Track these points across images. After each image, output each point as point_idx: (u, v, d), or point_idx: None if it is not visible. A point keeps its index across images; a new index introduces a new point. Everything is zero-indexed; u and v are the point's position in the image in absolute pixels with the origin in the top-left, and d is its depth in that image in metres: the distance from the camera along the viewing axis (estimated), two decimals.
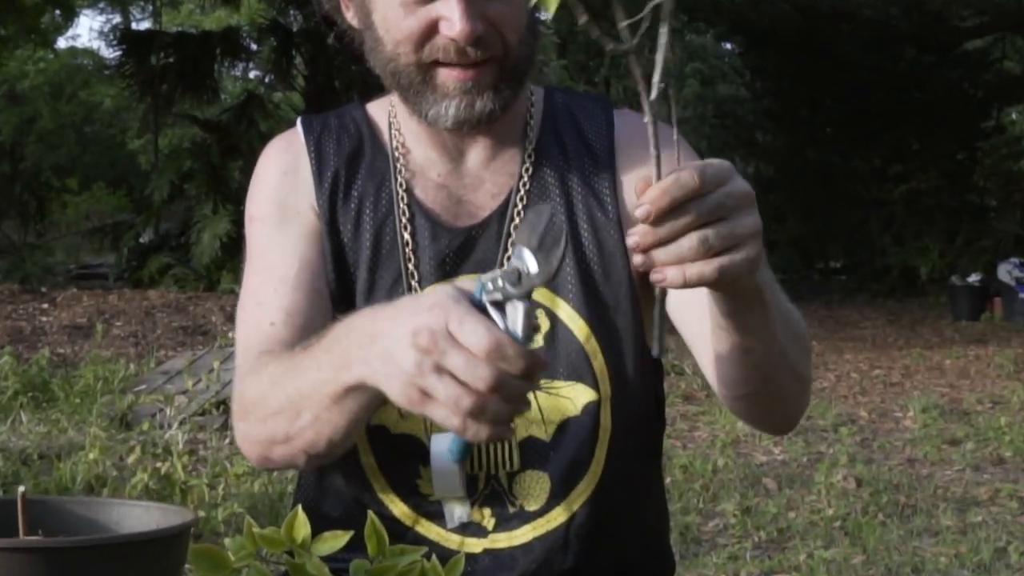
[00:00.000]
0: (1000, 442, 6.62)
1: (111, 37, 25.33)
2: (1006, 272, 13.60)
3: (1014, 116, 20.68)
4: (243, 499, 4.78)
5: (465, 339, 1.03)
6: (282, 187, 1.53)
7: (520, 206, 1.46)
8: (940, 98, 17.57)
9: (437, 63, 1.36)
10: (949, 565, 4.43)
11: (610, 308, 1.45)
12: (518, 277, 1.06)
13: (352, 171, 1.51)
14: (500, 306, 1.07)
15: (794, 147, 19.73)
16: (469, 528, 1.44)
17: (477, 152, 1.49)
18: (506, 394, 1.04)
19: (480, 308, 1.08)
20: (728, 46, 22.63)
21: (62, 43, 29.02)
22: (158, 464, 5.08)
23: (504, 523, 1.44)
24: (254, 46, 18.57)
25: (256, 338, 1.45)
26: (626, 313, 1.45)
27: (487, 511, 1.45)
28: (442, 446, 1.33)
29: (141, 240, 15.12)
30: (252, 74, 22.64)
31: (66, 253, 19.88)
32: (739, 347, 1.24)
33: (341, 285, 1.48)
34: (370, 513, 1.07)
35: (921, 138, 18.18)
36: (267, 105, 16.58)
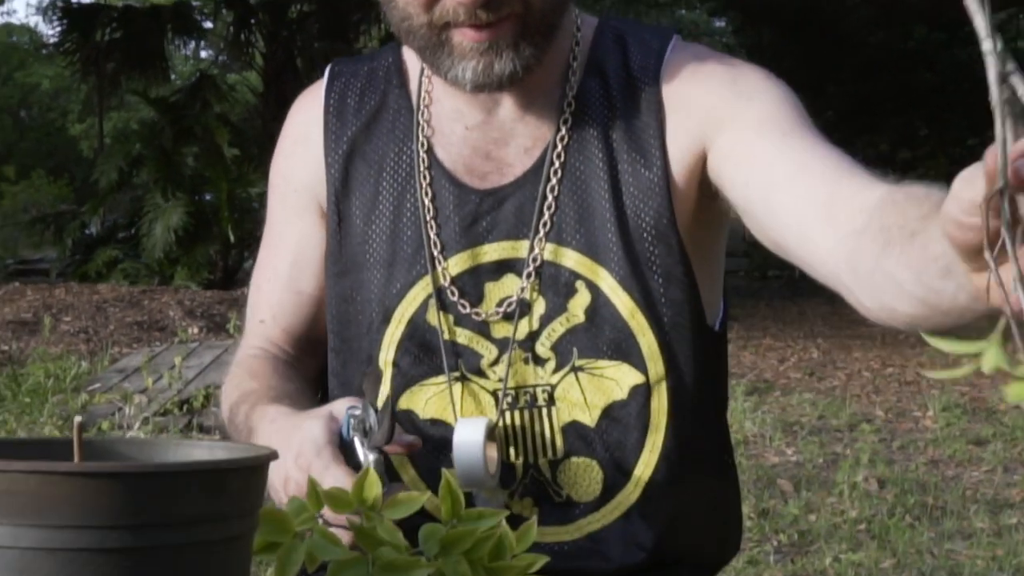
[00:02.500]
0: None
1: (50, 12, 25.27)
2: None
3: None
4: None
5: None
6: (292, 158, 1.55)
7: (557, 164, 1.42)
8: (951, 79, 17.67)
9: (449, 25, 1.33)
10: (986, 569, 4.43)
11: (660, 279, 1.40)
12: (364, 429, 1.21)
13: (372, 130, 1.50)
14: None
15: None
16: (508, 521, 1.42)
17: (512, 100, 1.44)
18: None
19: (348, 444, 1.21)
20: (721, 23, 22.69)
21: None
22: None
23: (550, 515, 1.42)
24: (208, 23, 18.56)
25: (250, 326, 1.58)
26: (679, 283, 1.41)
27: (527, 502, 1.44)
28: (466, 433, 1.35)
29: (87, 232, 15.07)
30: (205, 53, 22.59)
31: (2, 247, 19.87)
32: None
33: (352, 263, 1.47)
34: (445, 472, 1.06)
35: (930, 123, 18.32)
36: (221, 86, 16.53)
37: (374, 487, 1.05)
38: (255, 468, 0.85)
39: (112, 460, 0.91)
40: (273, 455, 0.88)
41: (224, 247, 13.65)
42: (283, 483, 1.20)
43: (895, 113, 17.98)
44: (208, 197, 13.91)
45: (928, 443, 6.73)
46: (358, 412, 1.21)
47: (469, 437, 1.35)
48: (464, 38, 1.33)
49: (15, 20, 45.29)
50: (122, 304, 10.65)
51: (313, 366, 1.55)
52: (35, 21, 41.28)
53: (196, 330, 9.57)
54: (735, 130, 1.36)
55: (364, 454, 1.20)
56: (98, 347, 8.79)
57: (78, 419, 0.89)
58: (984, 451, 6.45)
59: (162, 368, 7.54)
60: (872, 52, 17.31)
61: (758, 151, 1.34)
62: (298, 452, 1.20)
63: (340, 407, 1.24)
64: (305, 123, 1.53)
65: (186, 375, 7.31)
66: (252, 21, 16.70)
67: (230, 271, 13.81)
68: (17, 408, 6.79)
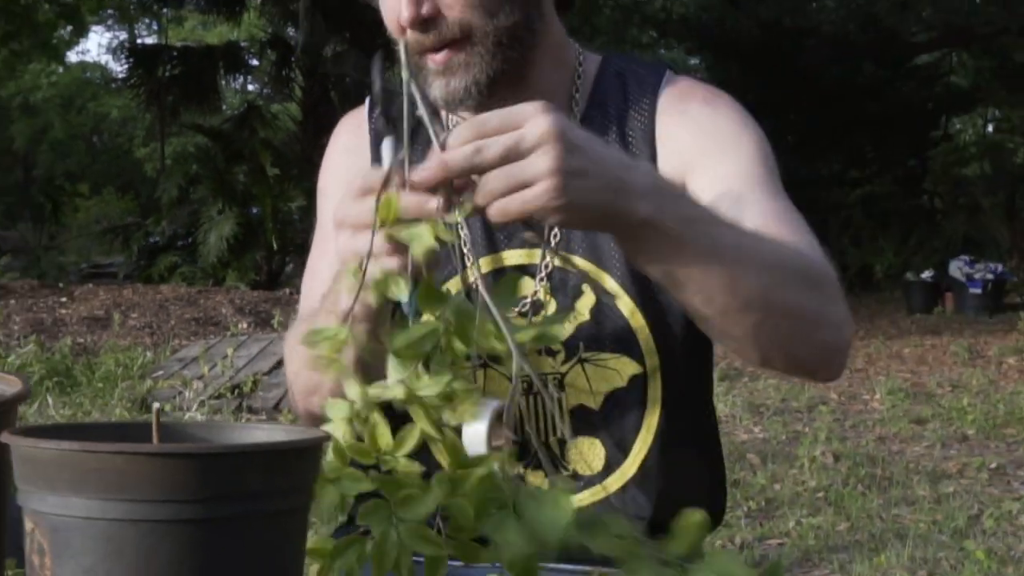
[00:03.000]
0: (963, 421, 6.65)
1: (119, 52, 25.26)
2: (956, 269, 13.69)
3: (959, 126, 20.78)
4: None
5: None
6: (341, 167, 1.51)
7: None
8: (893, 109, 17.61)
9: (423, 52, 1.30)
10: (928, 531, 4.42)
11: (655, 284, 1.34)
12: None
13: (411, 145, 1.47)
14: None
15: None
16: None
17: None
18: None
19: None
20: (695, 60, 22.63)
21: (73, 57, 28.99)
22: None
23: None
24: (254, 61, 18.55)
25: (305, 304, 1.48)
26: None
27: (540, 474, 1.41)
28: (471, 432, 1.34)
29: (151, 240, 15.05)
30: (251, 86, 22.57)
31: (77, 253, 19.87)
32: (677, 292, 1.14)
33: None
34: (447, 431, 1.03)
35: (876, 146, 18.25)
36: (266, 115, 16.50)
37: (385, 435, 1.03)
38: (311, 448, 0.83)
39: (185, 442, 0.89)
40: (327, 436, 0.86)
41: (269, 253, 13.64)
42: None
43: (846, 137, 17.92)
44: (255, 210, 13.89)
45: (876, 422, 6.73)
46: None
47: (475, 426, 1.35)
48: (429, 62, 1.30)
49: (89, 58, 45.15)
50: (181, 303, 10.67)
51: None
52: (106, 59, 41.15)
53: (245, 325, 9.58)
54: (707, 178, 1.32)
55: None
56: (161, 340, 8.81)
57: (156, 406, 0.87)
58: (924, 429, 6.46)
59: (216, 358, 7.58)
60: (826, 85, 17.22)
61: (721, 198, 1.27)
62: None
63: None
64: (352, 138, 1.51)
65: (236, 364, 7.32)
66: (292, 59, 16.65)
67: (274, 274, 13.81)
68: (91, 392, 6.81)
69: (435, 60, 1.30)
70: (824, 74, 17.14)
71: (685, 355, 1.42)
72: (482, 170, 0.96)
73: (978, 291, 13.30)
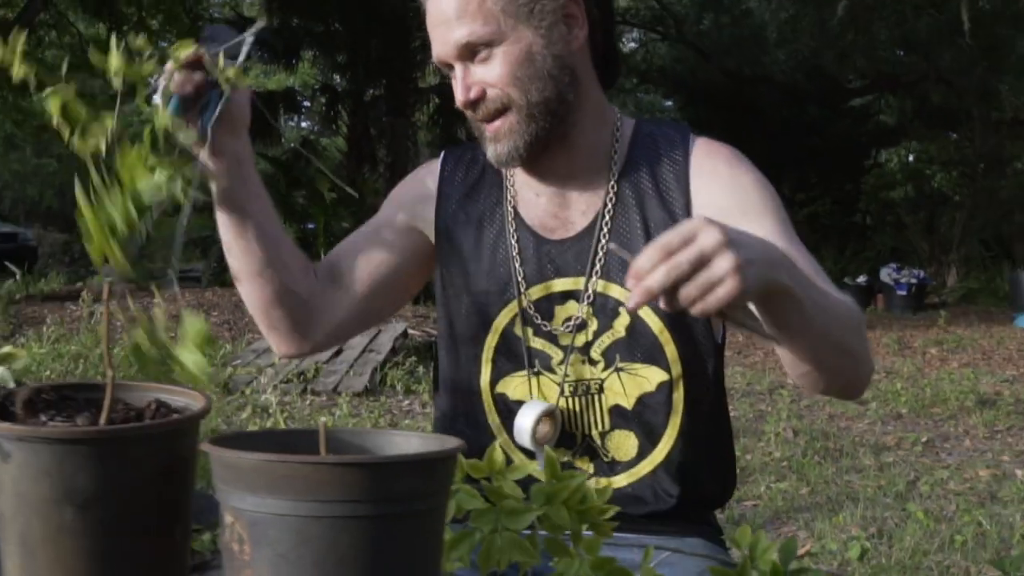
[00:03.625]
0: (897, 402, 6.64)
1: None
2: (886, 275, 13.67)
3: (887, 157, 20.74)
4: None
5: None
6: (410, 202, 1.51)
7: (606, 222, 1.40)
8: (832, 142, 17.61)
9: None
10: (875, 494, 4.43)
11: None
12: None
13: (473, 196, 1.48)
14: None
15: None
16: (569, 468, 1.42)
17: (566, 177, 1.41)
18: None
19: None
20: (669, 103, 22.60)
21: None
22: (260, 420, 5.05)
23: (601, 470, 1.42)
24: (307, 103, 18.52)
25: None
26: None
27: (585, 459, 1.43)
28: (521, 416, 1.37)
29: None
30: (305, 124, 22.54)
31: (165, 260, 19.74)
32: (786, 341, 1.17)
33: (461, 290, 1.45)
34: (547, 449, 1.06)
35: (818, 173, 18.23)
36: (318, 148, 16.47)
37: (499, 458, 1.05)
38: (450, 457, 0.85)
39: (343, 448, 0.90)
40: (462, 447, 0.87)
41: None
42: None
43: (794, 166, 17.85)
44: (311, 226, 13.86)
45: (826, 403, 6.71)
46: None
47: (522, 418, 1.38)
48: (485, 130, 1.34)
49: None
50: None
51: (312, 280, 1.46)
52: None
53: None
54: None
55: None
56: (238, 334, 8.77)
57: (323, 420, 0.89)
58: (866, 409, 6.45)
59: None
60: (777, 123, 17.21)
61: None
62: None
63: None
64: (425, 178, 1.52)
65: None
66: (338, 102, 16.69)
67: None
68: (181, 379, 6.77)
69: (489, 129, 1.34)
70: (776, 114, 17.18)
71: (702, 365, 1.43)
72: (677, 284, 0.97)
73: (904, 293, 13.29)
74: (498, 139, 1.33)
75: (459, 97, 1.32)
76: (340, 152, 17.32)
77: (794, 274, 1.09)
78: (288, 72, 18.70)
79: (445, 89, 16.61)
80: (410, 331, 8.39)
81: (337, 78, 17.27)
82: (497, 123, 1.33)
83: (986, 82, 15.24)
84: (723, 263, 0.96)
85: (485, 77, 1.30)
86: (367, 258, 1.46)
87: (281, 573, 0.79)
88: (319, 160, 15.49)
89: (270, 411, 5.43)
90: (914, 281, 13.40)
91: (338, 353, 7.30)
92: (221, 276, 14.07)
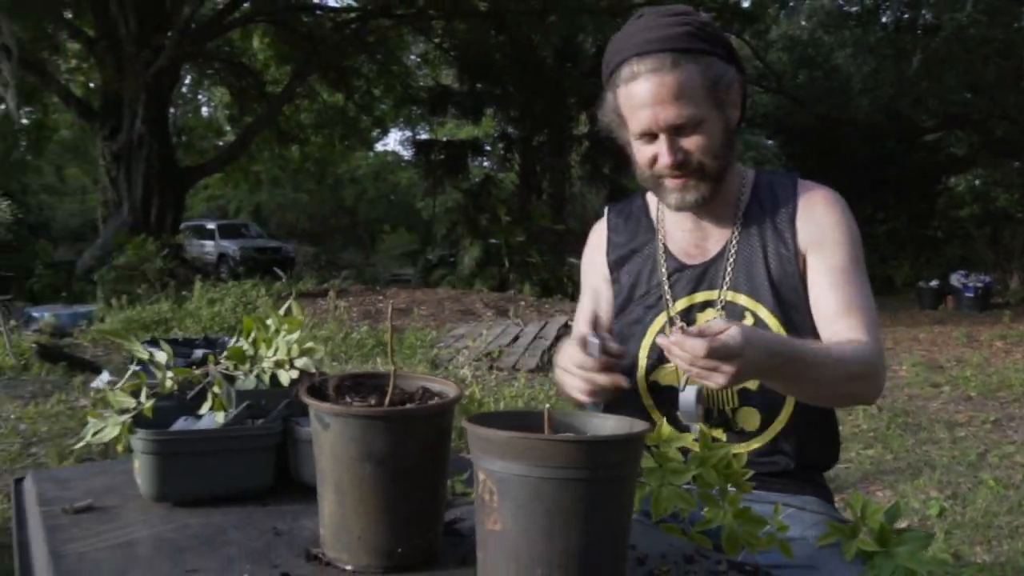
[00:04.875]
0: (967, 386, 6.23)
1: (407, 143, 25.91)
2: (956, 279, 12.80)
3: (956, 182, 19.40)
4: None
5: (561, 362, 1.28)
6: (591, 258, 1.54)
7: (733, 250, 1.40)
8: (909, 172, 16.63)
9: (662, 176, 1.34)
10: (949, 463, 4.17)
11: (791, 307, 1.36)
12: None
13: (633, 239, 1.50)
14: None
15: None
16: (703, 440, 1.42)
17: (706, 216, 1.42)
18: (590, 381, 1.25)
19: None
20: (771, 142, 21.81)
21: (379, 147, 29.93)
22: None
23: (731, 439, 1.40)
24: (487, 147, 18.80)
25: (576, 327, 1.53)
26: (800, 310, 1.37)
27: (720, 430, 1.42)
28: (685, 396, 1.36)
29: (428, 259, 15.37)
30: (486, 163, 22.89)
31: (383, 267, 20.46)
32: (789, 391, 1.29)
33: (624, 309, 1.48)
34: (701, 427, 1.07)
35: (897, 196, 17.24)
36: (496, 182, 16.73)
37: (666, 429, 1.07)
38: (640, 437, 0.87)
39: (563, 427, 0.93)
40: (647, 430, 0.89)
41: (501, 269, 13.76)
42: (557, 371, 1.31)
43: (875, 191, 16.98)
44: (493, 241, 14.04)
45: (904, 385, 6.38)
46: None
47: (687, 397, 1.37)
48: (669, 183, 1.34)
49: (388, 148, 46.57)
50: (450, 299, 10.79)
51: None
52: (398, 148, 42.37)
53: (490, 314, 9.64)
54: (823, 259, 1.36)
55: (594, 339, 1.26)
56: (440, 323, 8.95)
57: (547, 407, 0.92)
58: (939, 391, 6.09)
59: (475, 335, 7.69)
60: (862, 156, 16.43)
61: (824, 283, 1.35)
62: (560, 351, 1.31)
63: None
64: (597, 237, 1.55)
65: (487, 339, 7.42)
66: (512, 147, 16.89)
67: (504, 282, 13.93)
68: (402, 357, 6.97)
69: (678, 182, 1.34)
70: (860, 149, 16.36)
71: None
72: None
73: (971, 295, 12.38)
74: (687, 190, 1.35)
75: (666, 161, 1.32)
76: (513, 185, 17.53)
77: (787, 369, 1.18)
78: (474, 124, 19.14)
79: (594, 136, 16.64)
80: (569, 323, 8.44)
81: (511, 128, 17.52)
82: (686, 179, 1.34)
83: None
84: (719, 378, 1.10)
85: (687, 147, 1.32)
86: (599, 320, 1.53)
87: (519, 518, 0.84)
88: (497, 190, 15.79)
89: (467, 382, 5.55)
90: (980, 285, 12.47)
91: (516, 339, 7.41)
92: (426, 278, 14.50)
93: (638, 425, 0.90)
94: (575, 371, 1.25)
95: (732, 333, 1.09)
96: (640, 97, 1.30)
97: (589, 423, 0.95)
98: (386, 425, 0.90)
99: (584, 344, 1.26)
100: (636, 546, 1.04)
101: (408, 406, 0.95)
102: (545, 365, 6.62)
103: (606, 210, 1.56)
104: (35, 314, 8.50)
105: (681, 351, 1.08)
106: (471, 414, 0.89)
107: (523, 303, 10.45)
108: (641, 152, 1.35)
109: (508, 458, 0.83)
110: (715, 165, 1.34)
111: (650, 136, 1.33)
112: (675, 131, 1.31)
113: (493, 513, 0.85)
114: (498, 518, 0.84)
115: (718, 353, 1.08)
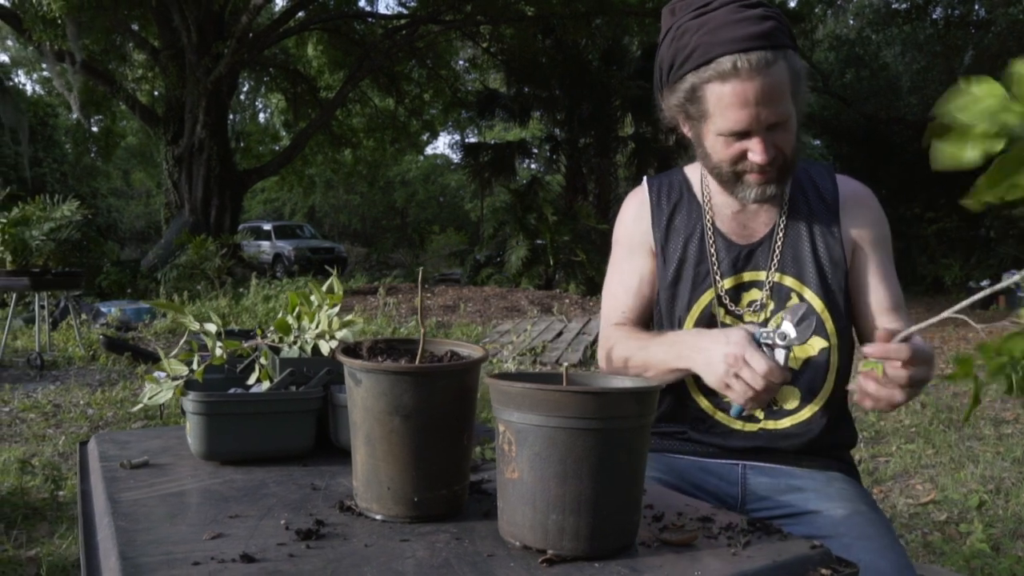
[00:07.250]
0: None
1: (456, 147, 26.05)
2: (1008, 278, 12.40)
3: None
4: None
5: (754, 364, 1.18)
6: (632, 227, 1.51)
7: (781, 232, 1.41)
8: (959, 170, 16.16)
9: (744, 170, 1.33)
10: (993, 458, 4.06)
11: (835, 292, 1.38)
12: (783, 337, 1.20)
13: (676, 213, 1.48)
14: (768, 348, 1.21)
15: None
16: (747, 417, 1.43)
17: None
18: (768, 393, 1.18)
19: (757, 343, 1.21)
20: (818, 142, 21.41)
21: (429, 151, 30.14)
22: None
23: (770, 416, 1.41)
24: (535, 150, 18.81)
25: (611, 317, 1.49)
26: (843, 294, 1.38)
27: (759, 410, 1.43)
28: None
29: (476, 259, 15.44)
30: (534, 165, 22.91)
31: (433, 267, 20.59)
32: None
33: (672, 281, 1.46)
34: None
35: (947, 195, 16.75)
36: (543, 183, 16.71)
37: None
38: (652, 391, 0.90)
39: (580, 385, 0.96)
40: (659, 386, 0.92)
41: (546, 267, 13.76)
42: (723, 355, 1.20)
43: (924, 190, 16.55)
44: (539, 241, 14.05)
45: (951, 383, 6.21)
46: (766, 329, 1.22)
47: None
48: (752, 178, 1.33)
49: (438, 151, 46.89)
50: (497, 297, 10.81)
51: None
52: (447, 151, 42.63)
53: (535, 311, 9.64)
54: (872, 254, 1.40)
55: (779, 349, 1.21)
56: (486, 319, 8.98)
57: (565, 364, 0.95)
58: (988, 389, 5.89)
59: (520, 331, 7.71)
60: (909, 156, 16.02)
61: (876, 277, 1.40)
62: (736, 340, 1.20)
63: (743, 328, 1.25)
64: (638, 206, 1.52)
65: (532, 335, 7.44)
66: (559, 148, 16.86)
67: (550, 280, 13.93)
68: None
69: (758, 178, 1.33)
70: (907, 148, 15.95)
71: (849, 337, 1.42)
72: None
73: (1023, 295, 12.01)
74: (768, 184, 1.34)
75: (761, 159, 1.30)
76: (560, 186, 17.50)
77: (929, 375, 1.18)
78: (522, 127, 19.15)
79: (639, 138, 16.54)
80: None
81: (557, 131, 17.49)
82: (770, 174, 1.34)
83: None
84: (917, 385, 1.15)
85: (779, 143, 1.31)
86: (639, 294, 1.50)
87: (535, 466, 0.87)
88: (544, 191, 15.79)
89: None
90: None
91: (559, 334, 7.43)
92: (474, 278, 14.58)
93: (651, 381, 0.93)
94: (759, 381, 1.18)
95: (916, 341, 1.12)
96: (741, 96, 1.25)
97: (606, 380, 0.98)
98: (413, 380, 0.94)
99: (771, 350, 1.22)
100: (653, 505, 1.07)
101: (435, 364, 0.99)
102: (587, 360, 6.62)
103: (644, 180, 1.54)
104: (103, 309, 8.82)
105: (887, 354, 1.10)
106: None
107: (567, 300, 10.44)
108: (726, 148, 1.32)
109: (525, 409, 0.86)
110: (794, 158, 1.34)
111: (742, 133, 1.30)
112: (769, 128, 1.29)
113: (511, 463, 0.88)
114: (516, 467, 0.88)
115: (915, 357, 1.10)
